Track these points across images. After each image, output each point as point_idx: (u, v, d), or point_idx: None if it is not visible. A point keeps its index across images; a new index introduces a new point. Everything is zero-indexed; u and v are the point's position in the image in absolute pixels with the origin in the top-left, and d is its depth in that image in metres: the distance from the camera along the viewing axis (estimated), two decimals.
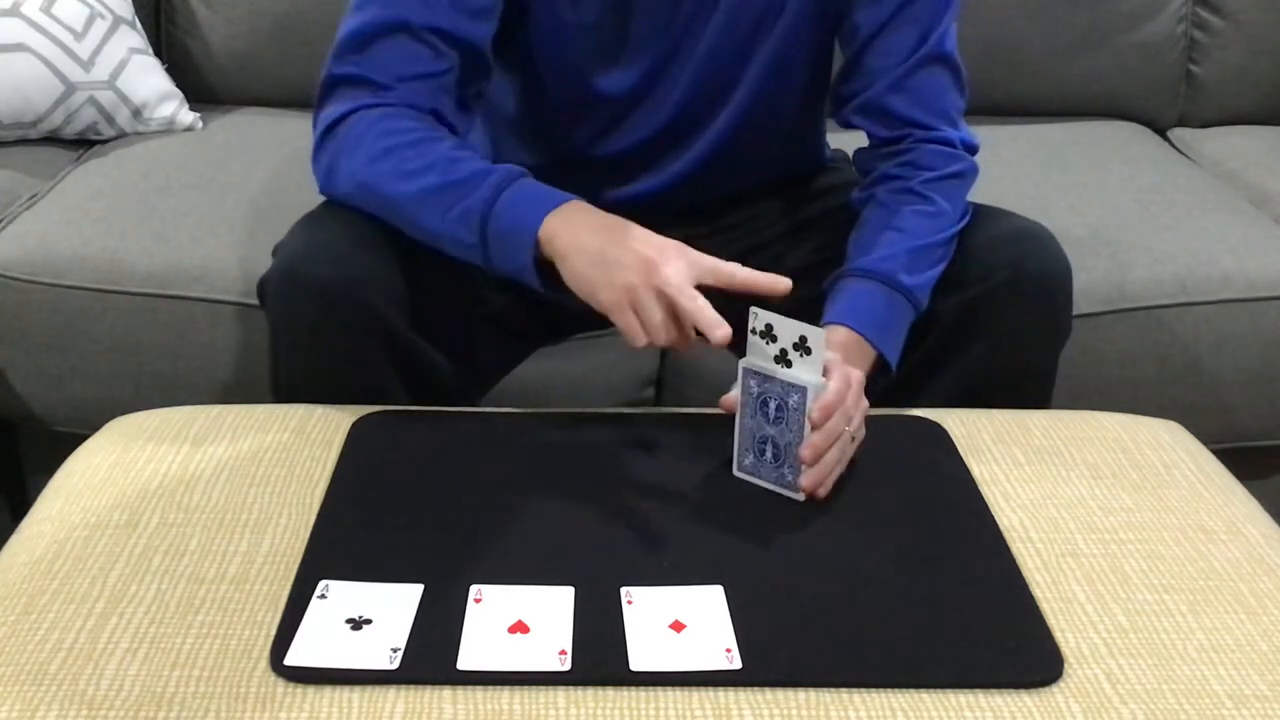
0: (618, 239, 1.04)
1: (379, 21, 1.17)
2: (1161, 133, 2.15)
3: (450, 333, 1.20)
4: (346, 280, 1.12)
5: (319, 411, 1.14)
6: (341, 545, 0.96)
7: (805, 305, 1.34)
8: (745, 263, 1.36)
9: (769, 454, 1.03)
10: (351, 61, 1.17)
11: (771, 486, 1.04)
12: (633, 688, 0.82)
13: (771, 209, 1.39)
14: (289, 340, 1.17)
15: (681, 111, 1.29)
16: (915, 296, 1.19)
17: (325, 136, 1.18)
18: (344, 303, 1.12)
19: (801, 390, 1.00)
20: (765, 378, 1.02)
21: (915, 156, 1.26)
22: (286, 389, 1.19)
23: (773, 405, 1.02)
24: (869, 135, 1.30)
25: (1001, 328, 1.20)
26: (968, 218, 1.25)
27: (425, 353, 1.19)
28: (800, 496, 1.02)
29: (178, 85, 1.92)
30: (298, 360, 1.17)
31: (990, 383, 1.22)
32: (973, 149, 1.29)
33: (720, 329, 1.00)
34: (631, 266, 1.02)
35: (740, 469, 1.06)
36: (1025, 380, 1.25)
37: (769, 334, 1.01)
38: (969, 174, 1.28)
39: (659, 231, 1.38)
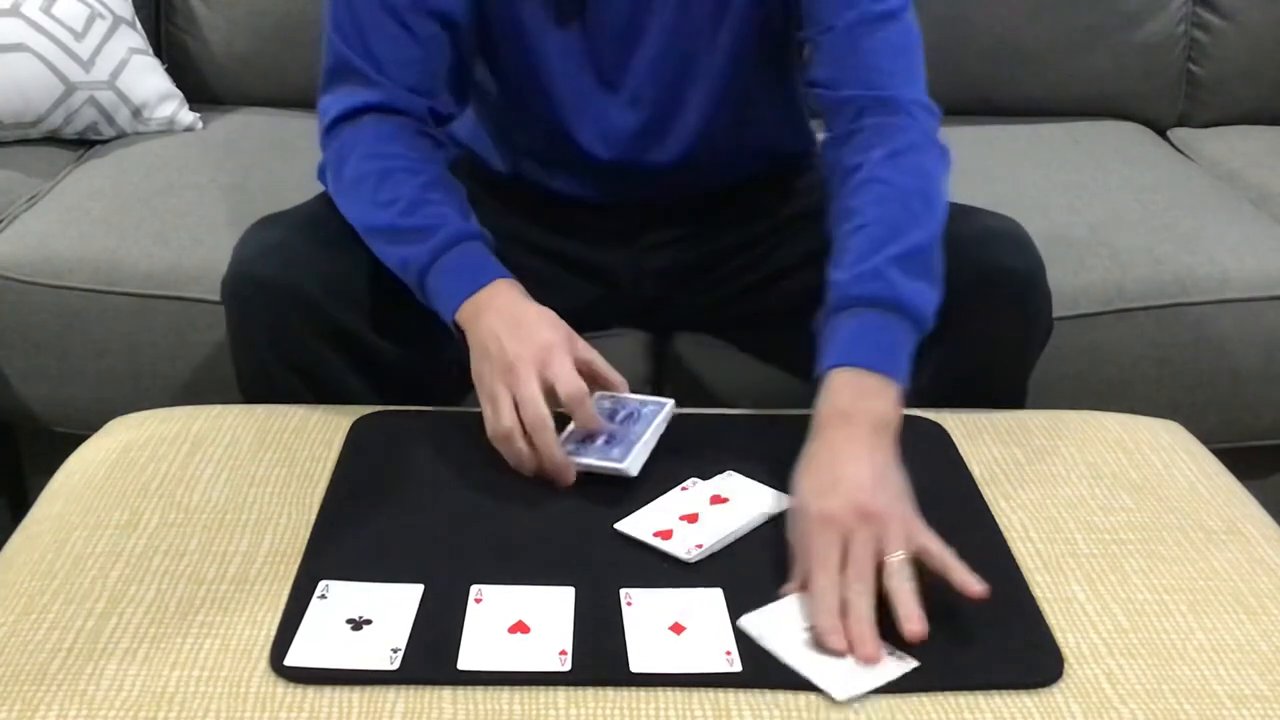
0: (512, 336, 1.06)
1: (367, 3, 1.19)
2: (1161, 133, 2.14)
3: (413, 330, 1.20)
4: (293, 280, 1.14)
5: (319, 411, 1.14)
6: (341, 545, 0.96)
7: (795, 301, 1.33)
8: (734, 259, 1.37)
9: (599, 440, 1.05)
10: (349, 44, 1.21)
11: (596, 463, 1.03)
12: (633, 688, 0.82)
13: (760, 206, 1.38)
14: (244, 341, 1.19)
15: (651, 100, 1.28)
16: (904, 305, 1.07)
17: (331, 131, 1.22)
18: (292, 303, 1.14)
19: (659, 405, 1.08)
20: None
21: (864, 136, 1.17)
22: (250, 390, 1.21)
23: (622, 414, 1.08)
24: (826, 117, 1.23)
25: (973, 329, 1.16)
26: (942, 214, 1.14)
27: (387, 352, 1.19)
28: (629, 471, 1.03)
29: (178, 85, 1.92)
30: (255, 361, 1.19)
31: (963, 384, 1.20)
32: (929, 110, 1.19)
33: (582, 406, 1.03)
34: (507, 361, 1.04)
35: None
36: (999, 382, 1.23)
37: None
38: (923, 146, 1.16)
39: (649, 231, 1.39)
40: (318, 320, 1.15)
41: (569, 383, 1.03)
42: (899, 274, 1.06)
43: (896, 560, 0.90)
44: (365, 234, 1.17)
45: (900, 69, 1.20)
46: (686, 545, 0.95)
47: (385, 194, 1.15)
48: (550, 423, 1.02)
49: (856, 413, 0.99)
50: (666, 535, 0.97)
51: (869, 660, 0.85)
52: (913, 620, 0.86)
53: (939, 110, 1.20)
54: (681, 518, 0.99)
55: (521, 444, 1.03)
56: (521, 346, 1.04)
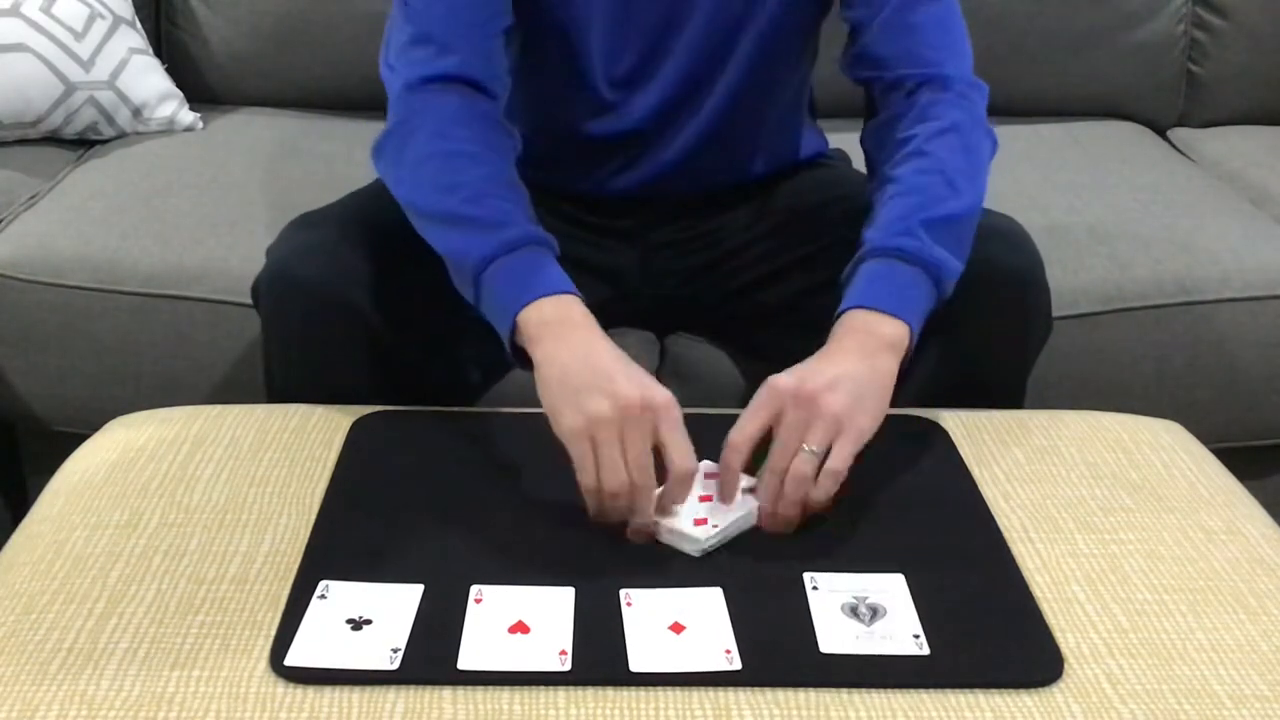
0: (596, 363, 0.99)
1: None
2: (1161, 133, 2.14)
3: (440, 334, 1.20)
4: (333, 281, 1.14)
5: (319, 411, 1.14)
6: (341, 545, 0.96)
7: (795, 301, 1.34)
8: (737, 259, 1.38)
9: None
10: (415, 19, 1.17)
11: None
12: (633, 688, 0.82)
13: (763, 206, 1.39)
14: (279, 342, 1.19)
15: (675, 90, 1.28)
16: (927, 263, 1.09)
17: (400, 99, 1.16)
18: (330, 303, 1.14)
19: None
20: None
21: (915, 113, 1.20)
22: (280, 390, 1.20)
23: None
24: (872, 94, 1.25)
25: (972, 327, 1.16)
26: (982, 193, 1.17)
27: (414, 354, 1.19)
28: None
29: (178, 85, 1.92)
30: (288, 361, 1.19)
31: (962, 383, 1.20)
32: (978, 88, 1.23)
33: (687, 464, 0.96)
34: (608, 396, 0.96)
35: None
36: (999, 380, 1.23)
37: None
38: (970, 126, 1.19)
39: (651, 230, 1.39)
40: (355, 323, 1.14)
41: (684, 455, 0.97)
42: (928, 235, 1.09)
43: (805, 452, 0.98)
44: (420, 217, 1.12)
45: (949, 46, 1.24)
46: (699, 530, 0.96)
47: (448, 178, 1.11)
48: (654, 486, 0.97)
49: (864, 336, 1.04)
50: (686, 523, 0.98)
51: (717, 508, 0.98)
52: (775, 517, 0.98)
53: (986, 88, 1.24)
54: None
55: (626, 502, 0.97)
56: (625, 401, 0.96)
